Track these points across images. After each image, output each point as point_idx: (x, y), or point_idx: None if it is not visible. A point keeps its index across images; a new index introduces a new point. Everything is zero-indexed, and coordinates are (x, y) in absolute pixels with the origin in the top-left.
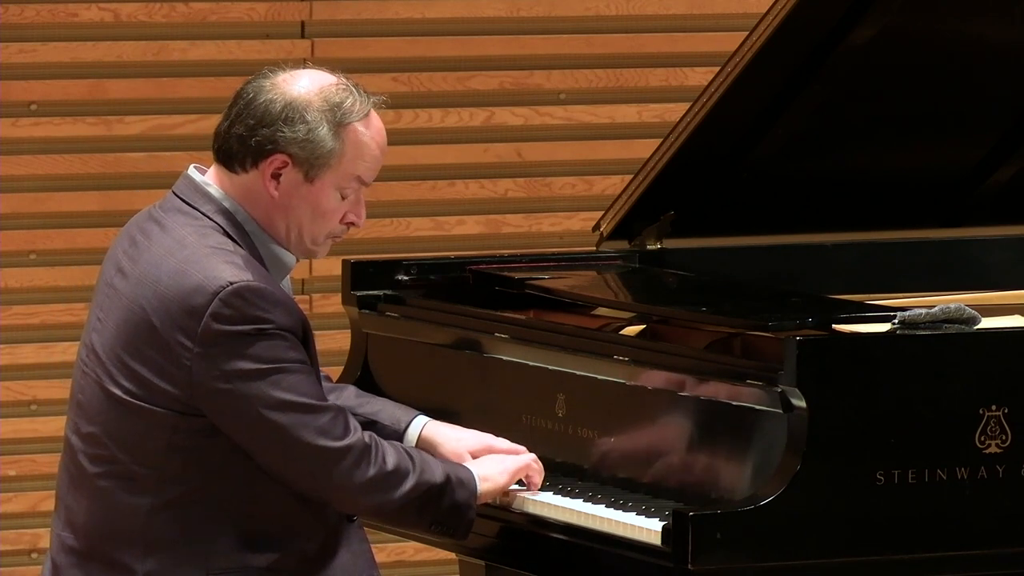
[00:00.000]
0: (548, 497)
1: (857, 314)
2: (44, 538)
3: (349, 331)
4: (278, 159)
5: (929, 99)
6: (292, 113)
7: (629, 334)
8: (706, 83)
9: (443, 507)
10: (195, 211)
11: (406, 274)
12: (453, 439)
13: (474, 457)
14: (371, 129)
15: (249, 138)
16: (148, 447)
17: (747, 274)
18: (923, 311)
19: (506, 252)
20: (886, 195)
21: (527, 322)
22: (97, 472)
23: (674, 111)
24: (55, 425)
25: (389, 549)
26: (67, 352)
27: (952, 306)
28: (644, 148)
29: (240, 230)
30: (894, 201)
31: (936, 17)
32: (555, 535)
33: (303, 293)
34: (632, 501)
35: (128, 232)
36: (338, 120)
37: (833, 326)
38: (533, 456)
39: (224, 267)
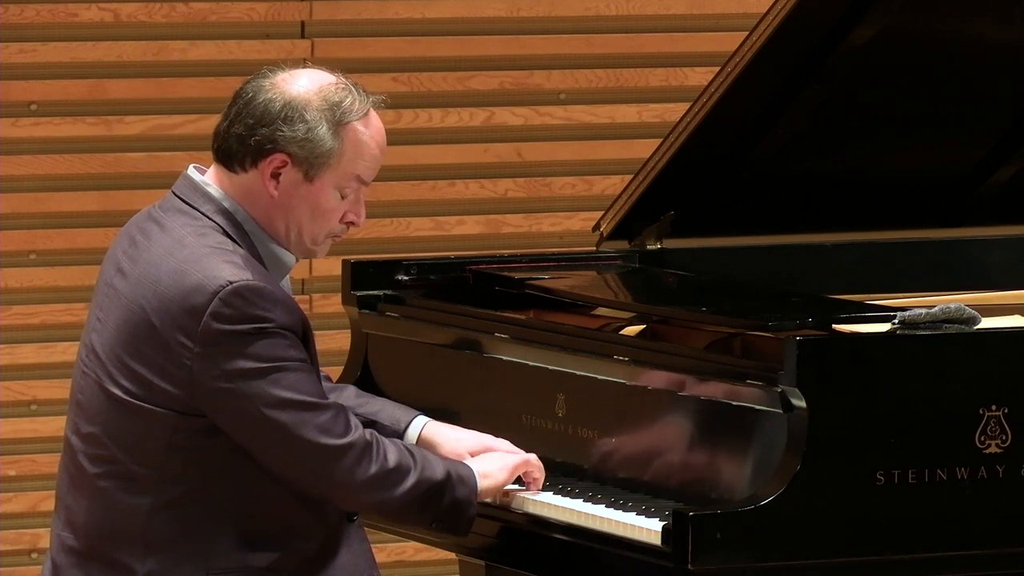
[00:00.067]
0: (548, 497)
1: (857, 314)
2: (44, 538)
3: (349, 331)
4: (277, 158)
5: (929, 99)
6: (291, 112)
7: (629, 334)
8: (706, 83)
9: (444, 504)
10: (195, 211)
11: (406, 274)
12: (452, 440)
13: (473, 457)
14: (370, 128)
15: (248, 138)
16: (148, 447)
17: (747, 274)
18: (923, 311)
19: (506, 252)
20: (886, 195)
21: (527, 322)
22: (97, 472)
23: (674, 111)
24: (55, 425)
25: (389, 549)
26: (67, 352)
27: (952, 306)
28: (644, 148)
29: (240, 230)
30: (894, 201)
31: (936, 17)
32: (555, 535)
33: (303, 293)
34: (632, 501)
35: (128, 232)
36: (337, 119)
37: (833, 326)
38: (533, 456)
39: (224, 266)
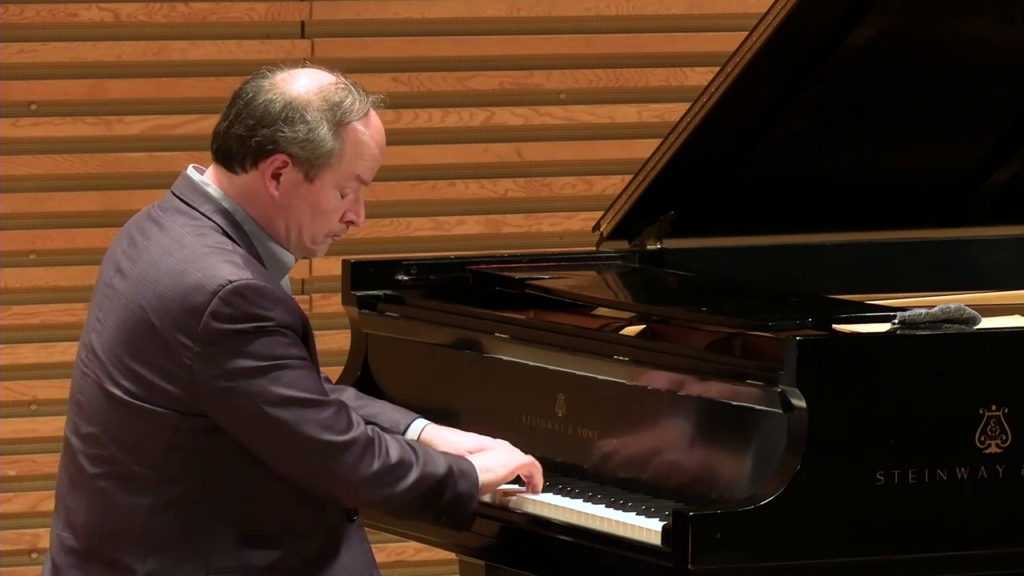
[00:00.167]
0: (548, 497)
1: (857, 314)
2: (44, 538)
3: (349, 331)
4: (278, 159)
5: (929, 99)
6: (292, 113)
7: (629, 334)
8: (706, 83)
9: (446, 498)
10: (194, 211)
11: (406, 274)
12: (451, 442)
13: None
14: (370, 128)
15: (249, 138)
16: (148, 447)
17: (747, 274)
18: (923, 311)
19: (506, 252)
20: (886, 195)
21: (527, 322)
22: (97, 472)
23: (674, 111)
24: (55, 425)
25: (389, 549)
26: (67, 352)
27: (952, 306)
28: (644, 148)
29: (239, 230)
30: (894, 201)
31: (936, 17)
32: (555, 535)
33: (303, 293)
34: (632, 501)
35: (127, 232)
36: (338, 119)
37: (833, 326)
38: (534, 460)
39: (223, 266)
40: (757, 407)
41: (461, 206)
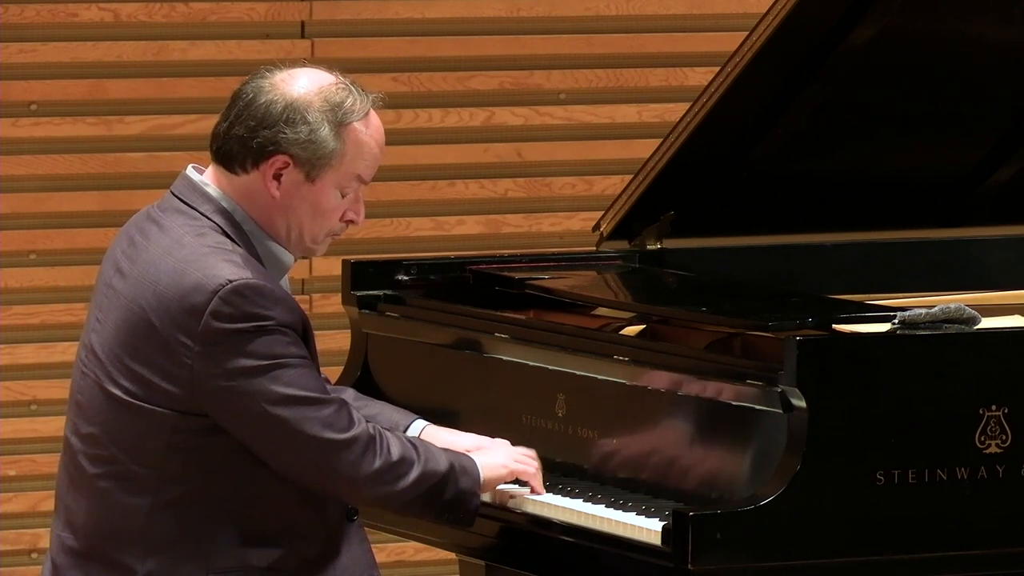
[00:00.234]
0: (548, 497)
1: (857, 314)
2: (44, 538)
3: (349, 331)
4: (279, 160)
5: (929, 99)
6: (293, 114)
7: (629, 334)
8: (706, 83)
9: (448, 495)
10: (193, 211)
11: (406, 274)
12: (450, 443)
13: None
14: (370, 128)
15: (250, 140)
16: (148, 447)
17: (747, 274)
18: (923, 311)
19: (506, 252)
20: (886, 195)
21: (527, 322)
22: (97, 472)
23: (674, 111)
24: (55, 425)
25: (389, 549)
26: (67, 352)
27: (952, 306)
28: (644, 148)
29: (238, 229)
30: (894, 201)
31: (936, 17)
32: (555, 535)
33: (303, 293)
34: (632, 501)
35: (126, 232)
36: (339, 120)
37: (833, 326)
38: (533, 451)
39: (223, 265)
40: (757, 407)
41: (461, 206)
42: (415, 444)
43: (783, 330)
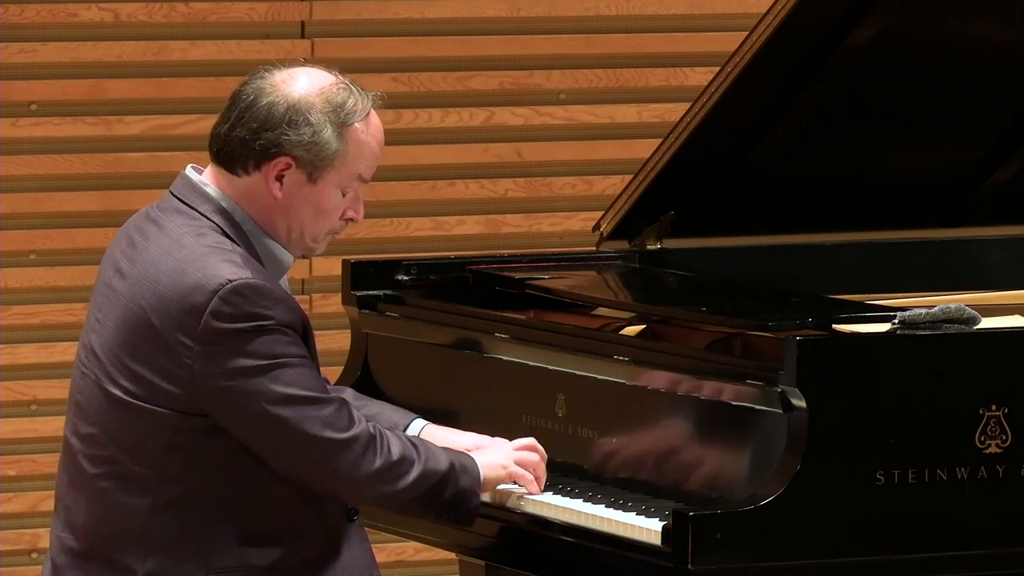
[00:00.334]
0: (548, 497)
1: (857, 314)
2: (44, 538)
3: (349, 331)
4: (282, 162)
5: (929, 99)
6: (296, 116)
7: (629, 334)
8: (706, 83)
9: (448, 494)
10: (193, 211)
11: (406, 274)
12: (450, 442)
13: None
14: (371, 127)
15: (253, 142)
16: (148, 447)
17: (747, 274)
18: (923, 311)
19: (506, 252)
20: (886, 195)
21: (527, 322)
22: (97, 473)
23: (674, 111)
24: (55, 425)
25: (389, 549)
26: (67, 352)
27: (952, 306)
28: (644, 148)
29: (238, 229)
30: (894, 201)
31: (936, 17)
32: (555, 535)
33: (303, 293)
34: (632, 501)
35: (126, 232)
36: (341, 121)
37: (833, 326)
38: (534, 441)
39: (223, 265)
40: (757, 407)
41: (461, 206)
42: (415, 443)
43: (783, 330)
